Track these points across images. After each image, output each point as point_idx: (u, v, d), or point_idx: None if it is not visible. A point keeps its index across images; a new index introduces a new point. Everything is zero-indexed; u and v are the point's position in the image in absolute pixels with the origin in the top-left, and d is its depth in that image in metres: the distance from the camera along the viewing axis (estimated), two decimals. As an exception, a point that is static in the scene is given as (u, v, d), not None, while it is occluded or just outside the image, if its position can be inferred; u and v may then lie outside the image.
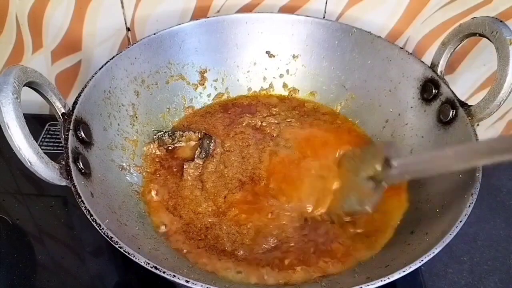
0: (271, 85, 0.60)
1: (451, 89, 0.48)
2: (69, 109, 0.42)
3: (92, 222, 0.35)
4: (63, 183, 0.37)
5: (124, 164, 0.48)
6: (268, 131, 0.55)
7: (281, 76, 0.60)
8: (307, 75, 0.59)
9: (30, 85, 0.38)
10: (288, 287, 0.41)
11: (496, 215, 0.58)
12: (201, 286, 0.33)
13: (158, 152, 0.52)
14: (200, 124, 0.56)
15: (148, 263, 0.33)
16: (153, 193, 0.49)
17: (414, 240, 0.41)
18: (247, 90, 0.60)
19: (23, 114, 0.35)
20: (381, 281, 0.34)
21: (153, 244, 0.43)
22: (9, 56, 0.63)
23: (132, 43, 0.51)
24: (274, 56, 0.59)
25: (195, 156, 0.51)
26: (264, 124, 0.56)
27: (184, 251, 0.44)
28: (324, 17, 0.58)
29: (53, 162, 0.37)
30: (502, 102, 0.43)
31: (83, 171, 0.40)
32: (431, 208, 0.44)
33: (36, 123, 0.65)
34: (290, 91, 0.60)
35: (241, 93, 0.60)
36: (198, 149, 0.52)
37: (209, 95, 0.59)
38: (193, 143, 0.54)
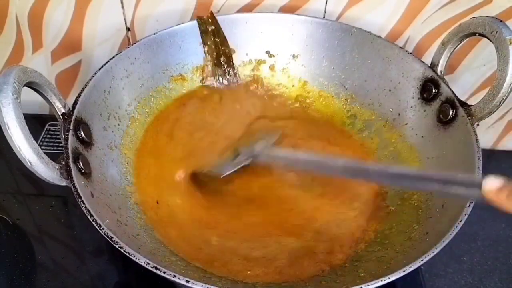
0: (271, 85, 0.60)
1: (451, 89, 0.48)
2: (69, 109, 0.42)
3: (92, 222, 0.35)
4: (63, 183, 0.37)
5: (124, 163, 0.48)
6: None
7: (281, 76, 0.60)
8: (307, 75, 0.59)
9: (30, 85, 0.38)
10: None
11: (496, 215, 0.58)
12: (202, 286, 0.33)
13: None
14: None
15: (148, 263, 0.33)
16: None
17: (414, 239, 0.41)
18: (247, 89, 0.60)
19: (23, 114, 0.35)
20: (381, 281, 0.34)
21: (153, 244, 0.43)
22: (9, 56, 0.63)
23: (132, 43, 0.52)
24: (274, 56, 0.59)
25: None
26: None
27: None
28: (324, 17, 0.58)
29: (53, 162, 0.37)
30: (502, 102, 0.43)
31: (83, 171, 0.40)
32: (431, 208, 0.44)
33: (36, 123, 0.65)
34: (290, 91, 0.60)
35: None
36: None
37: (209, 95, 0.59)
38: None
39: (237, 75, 0.57)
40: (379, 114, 0.55)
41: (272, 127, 0.55)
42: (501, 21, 0.43)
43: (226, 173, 0.48)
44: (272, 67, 0.59)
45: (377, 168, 0.43)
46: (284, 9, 0.59)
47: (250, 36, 0.57)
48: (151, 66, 0.53)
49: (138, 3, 0.57)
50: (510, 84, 0.42)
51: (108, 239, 0.34)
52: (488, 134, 0.68)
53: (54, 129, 0.65)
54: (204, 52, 0.56)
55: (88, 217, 0.35)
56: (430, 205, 0.45)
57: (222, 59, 0.56)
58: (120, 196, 0.45)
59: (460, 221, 0.38)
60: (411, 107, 0.52)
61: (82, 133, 0.42)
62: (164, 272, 0.33)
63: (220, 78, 0.56)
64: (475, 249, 0.54)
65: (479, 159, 0.42)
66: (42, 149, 0.36)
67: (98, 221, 0.35)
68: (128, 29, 0.60)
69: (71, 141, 0.40)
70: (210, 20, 0.54)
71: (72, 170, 0.38)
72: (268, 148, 0.47)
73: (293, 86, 0.59)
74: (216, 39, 0.55)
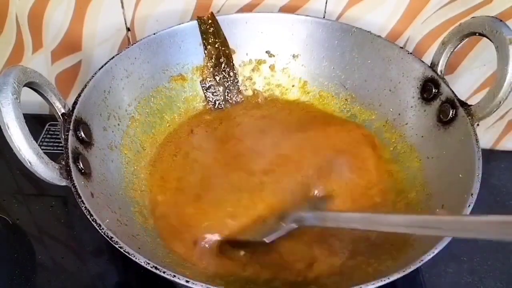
0: (271, 85, 0.60)
1: (451, 89, 0.48)
2: (69, 109, 0.42)
3: (92, 222, 0.35)
4: (63, 183, 0.37)
5: (124, 163, 0.48)
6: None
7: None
8: (307, 75, 0.59)
9: (30, 85, 0.38)
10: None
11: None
12: (201, 286, 0.33)
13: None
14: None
15: (148, 263, 0.33)
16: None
17: (414, 240, 0.41)
18: (247, 89, 0.60)
19: (23, 114, 0.35)
20: (381, 281, 0.34)
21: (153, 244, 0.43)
22: (9, 56, 0.63)
23: (132, 43, 0.52)
24: (274, 56, 0.59)
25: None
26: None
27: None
28: (324, 17, 0.58)
29: (53, 162, 0.37)
30: (502, 102, 0.43)
31: (83, 171, 0.40)
32: (431, 208, 0.44)
33: (36, 123, 0.65)
34: (290, 91, 0.60)
35: (241, 93, 0.60)
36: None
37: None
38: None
39: (236, 76, 0.57)
40: (379, 114, 0.55)
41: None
42: (501, 21, 0.43)
43: (272, 239, 0.44)
44: (272, 67, 0.59)
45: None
46: (284, 9, 0.59)
47: (250, 36, 0.57)
48: (151, 66, 0.53)
49: (138, 3, 0.57)
50: (510, 84, 0.42)
51: (108, 239, 0.35)
52: (488, 134, 0.68)
53: (54, 129, 0.65)
54: (204, 52, 0.56)
55: (88, 217, 0.36)
56: (430, 205, 0.45)
57: (222, 59, 0.56)
58: (120, 196, 0.45)
59: (460, 221, 0.37)
60: (411, 107, 0.52)
61: (82, 133, 0.42)
62: (164, 272, 0.33)
63: (221, 90, 0.57)
64: (475, 249, 0.54)
65: (479, 159, 0.42)
66: (42, 149, 0.36)
67: (98, 221, 0.35)
68: (128, 29, 0.60)
69: (71, 141, 0.40)
70: (210, 21, 0.54)
71: (72, 170, 0.38)
72: (315, 212, 0.44)
73: (293, 86, 0.60)
74: (216, 40, 0.55)
